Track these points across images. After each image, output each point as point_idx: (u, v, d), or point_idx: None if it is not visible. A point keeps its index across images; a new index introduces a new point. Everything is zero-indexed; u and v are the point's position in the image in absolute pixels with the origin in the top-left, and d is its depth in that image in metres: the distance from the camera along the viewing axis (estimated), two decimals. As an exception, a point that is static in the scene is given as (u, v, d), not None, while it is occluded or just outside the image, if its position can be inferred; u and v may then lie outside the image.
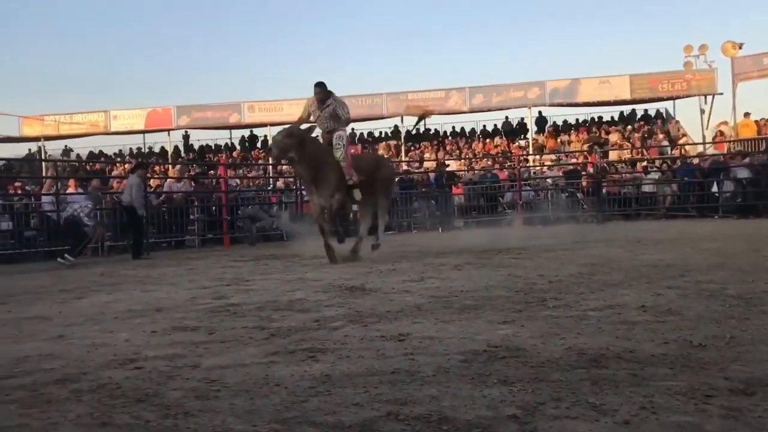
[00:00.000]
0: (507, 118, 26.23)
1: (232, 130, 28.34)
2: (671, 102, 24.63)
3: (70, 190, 13.37)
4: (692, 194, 15.62)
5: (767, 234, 9.87)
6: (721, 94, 22.66)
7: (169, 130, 27.19)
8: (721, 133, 18.50)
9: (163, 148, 28.13)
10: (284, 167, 19.89)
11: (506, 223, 15.97)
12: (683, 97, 23.66)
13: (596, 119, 25.92)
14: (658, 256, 7.15)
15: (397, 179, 16.67)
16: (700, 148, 19.16)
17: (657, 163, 17.60)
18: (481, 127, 26.93)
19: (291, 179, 15.95)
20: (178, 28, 47.66)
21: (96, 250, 12.04)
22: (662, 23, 44.61)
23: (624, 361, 2.92)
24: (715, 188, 15.19)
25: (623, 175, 17.28)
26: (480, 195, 16.72)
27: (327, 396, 2.59)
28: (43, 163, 22.67)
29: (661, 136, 22.91)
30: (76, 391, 2.74)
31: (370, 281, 6.11)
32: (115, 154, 27.86)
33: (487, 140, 25.53)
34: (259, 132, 27.83)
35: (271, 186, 17.02)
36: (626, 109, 25.43)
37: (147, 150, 28.31)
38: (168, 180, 15.94)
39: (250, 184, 18.15)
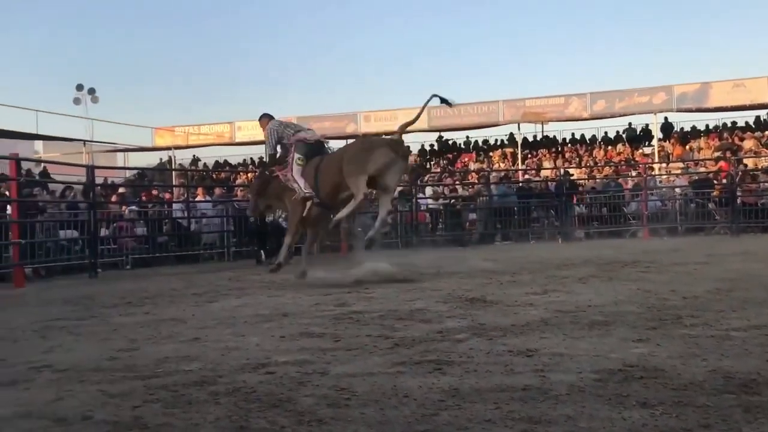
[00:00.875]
0: (630, 124, 25.21)
1: (348, 140, 28.92)
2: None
3: (199, 197, 14.09)
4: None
5: None
6: None
7: (289, 141, 28.08)
8: None
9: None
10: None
11: (630, 234, 15.33)
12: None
13: (728, 125, 24.39)
14: (805, 273, 6.60)
15: (515, 187, 16.41)
16: None
17: (799, 171, 16.31)
18: (603, 134, 26.03)
19: (406, 187, 16.02)
20: (297, 40, 49.29)
21: (224, 255, 12.63)
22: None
23: (779, 388, 2.69)
24: None
25: (760, 184, 16.13)
26: (602, 204, 16.12)
27: (457, 410, 2.55)
28: (174, 171, 24.06)
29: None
30: (213, 393, 2.85)
31: (490, 293, 6.01)
32: (239, 163, 29.13)
33: (609, 147, 24.63)
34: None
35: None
36: (763, 113, 23.76)
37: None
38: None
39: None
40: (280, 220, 11.52)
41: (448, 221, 15.53)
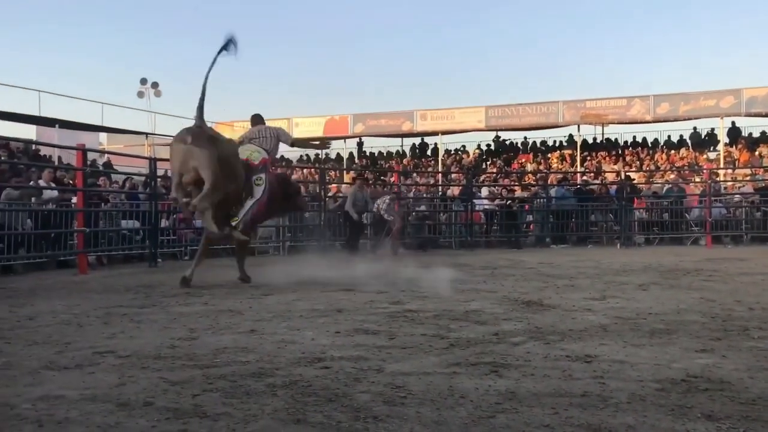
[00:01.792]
0: (695, 128, 24.46)
1: (404, 138, 28.93)
2: None
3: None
4: None
5: None
6: None
7: (345, 138, 28.29)
8: None
9: (338, 154, 29.35)
10: (453, 175, 20.01)
11: (692, 241, 14.88)
12: None
13: (801, 130, 23.44)
14: None
15: (573, 189, 16.12)
16: None
17: None
18: (666, 138, 25.34)
19: (461, 186, 15.91)
20: (355, 38, 49.52)
21: (279, 249, 12.78)
22: None
23: None
24: None
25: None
26: (664, 210, 15.68)
27: (514, 414, 2.51)
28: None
29: None
30: (271, 385, 2.88)
31: (547, 296, 5.92)
32: (297, 159, 29.46)
33: (672, 151, 23.95)
34: (429, 140, 28.21)
35: (441, 193, 17.08)
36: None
37: (324, 156, 29.66)
38: (343, 185, 16.56)
39: (421, 190, 18.35)
40: (383, 212, 12.03)
41: (503, 222, 15.36)
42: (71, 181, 11.46)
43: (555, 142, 27.05)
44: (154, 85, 28.05)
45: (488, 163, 26.25)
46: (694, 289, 6.43)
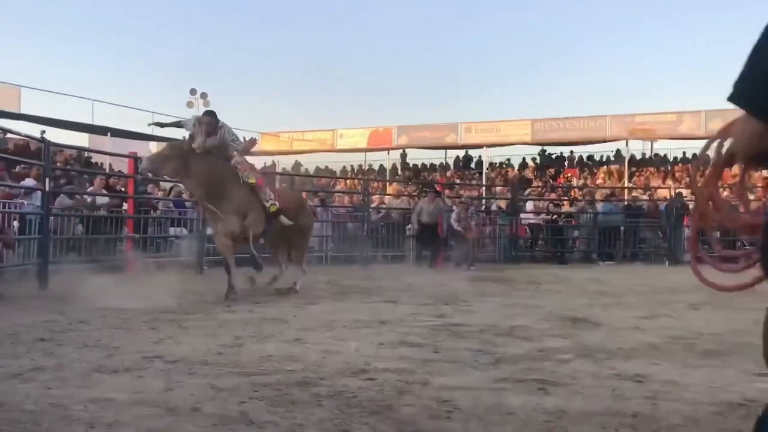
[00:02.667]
0: (749, 145, 23.83)
1: (448, 150, 28.85)
2: None
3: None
4: None
5: None
6: None
7: (388, 149, 28.36)
8: None
9: (381, 166, 29.42)
10: (498, 189, 19.85)
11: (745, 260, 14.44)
12: None
13: None
14: None
15: (621, 205, 15.84)
16: None
17: None
18: (718, 155, 24.73)
19: (507, 200, 15.76)
20: (397, 49, 49.71)
21: (322, 259, 12.85)
22: None
23: None
24: None
25: None
26: (714, 228, 15.25)
27: (564, 433, 2.45)
28: (277, 176, 24.72)
29: None
30: (316, 395, 2.87)
31: (594, 314, 5.80)
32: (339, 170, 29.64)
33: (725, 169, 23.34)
34: (473, 153, 28.09)
35: (484, 207, 16.96)
36: None
37: (367, 167, 29.77)
38: (387, 197, 16.57)
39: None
40: (455, 224, 12.18)
41: (548, 237, 15.16)
42: (123, 188, 11.73)
43: (602, 156, 26.64)
44: (203, 95, 28.57)
45: (534, 177, 25.99)
46: (750, 309, 6.18)
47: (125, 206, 10.37)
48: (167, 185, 13.95)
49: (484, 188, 20.69)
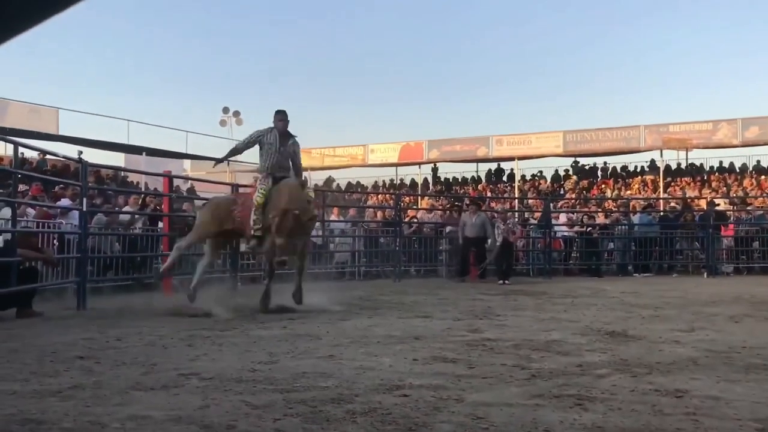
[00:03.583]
0: (788, 152, 23.34)
1: (479, 163, 28.77)
2: None
3: (333, 217, 14.46)
4: None
5: None
6: None
7: (419, 163, 28.39)
8: None
9: (413, 180, 29.45)
10: (530, 201, 19.69)
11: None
12: None
13: None
14: None
15: (657, 216, 15.57)
16: None
17: None
18: (755, 163, 24.25)
19: (538, 212, 15.61)
20: (429, 64, 49.85)
21: (354, 274, 12.87)
22: None
23: None
24: None
25: None
26: (752, 238, 14.93)
27: (603, 450, 2.41)
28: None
29: None
30: (350, 412, 2.86)
31: (631, 327, 5.70)
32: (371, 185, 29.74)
33: (762, 177, 22.86)
34: (505, 165, 27.97)
35: (517, 219, 16.83)
36: None
37: (398, 182, 29.81)
38: (420, 211, 16.57)
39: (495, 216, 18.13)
40: (501, 233, 12.16)
41: (583, 250, 14.98)
42: (158, 207, 11.91)
43: (636, 167, 26.32)
44: (236, 113, 28.99)
45: (566, 189, 25.76)
46: (792, 322, 6.07)
47: (161, 224, 10.52)
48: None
49: (516, 201, 20.56)
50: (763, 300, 8.05)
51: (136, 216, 10.56)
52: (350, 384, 3.41)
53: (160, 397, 3.13)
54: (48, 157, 18.42)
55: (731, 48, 43.89)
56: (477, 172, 29.27)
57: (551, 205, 15.32)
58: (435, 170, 29.42)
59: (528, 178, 27.67)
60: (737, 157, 24.55)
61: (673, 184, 23.76)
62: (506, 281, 11.62)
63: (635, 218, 15.40)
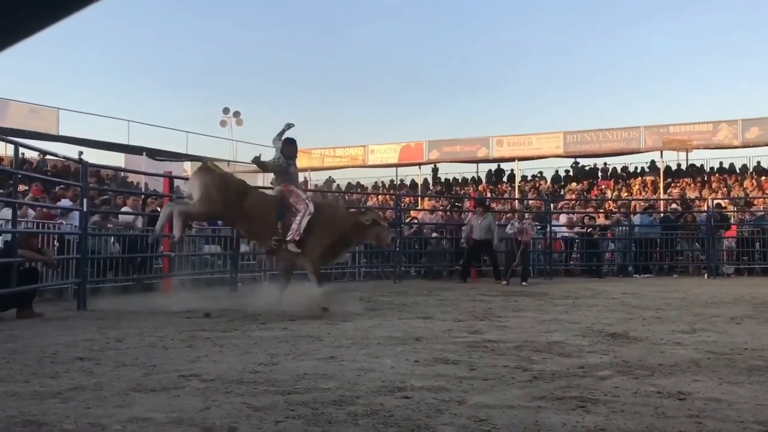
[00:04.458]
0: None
1: (479, 164, 28.74)
2: None
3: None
4: None
5: None
6: None
7: (420, 164, 28.37)
8: None
9: (413, 180, 29.44)
10: (530, 202, 19.67)
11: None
12: None
13: None
14: None
15: (658, 218, 15.54)
16: None
17: None
18: (755, 164, 24.23)
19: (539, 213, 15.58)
20: (429, 65, 49.86)
21: (354, 275, 12.86)
22: None
23: None
24: None
25: None
26: (755, 239, 14.91)
27: (606, 453, 2.39)
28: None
29: None
30: (352, 414, 2.85)
31: (633, 328, 5.69)
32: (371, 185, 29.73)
33: (763, 178, 22.85)
34: (505, 166, 27.95)
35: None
36: None
37: (399, 182, 29.79)
38: (420, 212, 16.54)
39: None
40: (510, 233, 12.10)
41: (583, 251, 14.95)
42: (159, 208, 11.89)
43: (636, 168, 26.31)
44: (236, 114, 28.97)
45: (566, 189, 25.75)
46: (794, 323, 6.05)
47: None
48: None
49: (516, 202, 20.52)
50: (764, 301, 8.03)
51: (134, 218, 10.53)
52: (352, 386, 3.40)
53: (160, 399, 3.11)
54: (48, 157, 18.40)
55: (731, 49, 43.89)
56: (477, 172, 29.25)
57: (551, 205, 15.29)
58: (435, 171, 29.41)
59: (528, 178, 27.65)
60: (737, 158, 24.56)
61: (673, 185, 23.75)
62: (524, 282, 11.67)
63: (636, 219, 15.38)
